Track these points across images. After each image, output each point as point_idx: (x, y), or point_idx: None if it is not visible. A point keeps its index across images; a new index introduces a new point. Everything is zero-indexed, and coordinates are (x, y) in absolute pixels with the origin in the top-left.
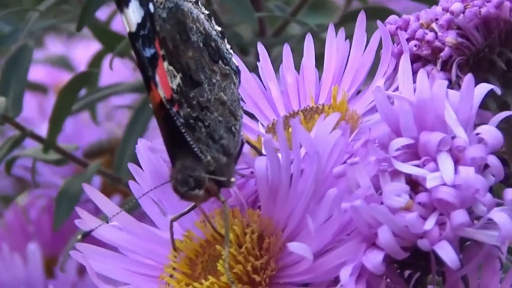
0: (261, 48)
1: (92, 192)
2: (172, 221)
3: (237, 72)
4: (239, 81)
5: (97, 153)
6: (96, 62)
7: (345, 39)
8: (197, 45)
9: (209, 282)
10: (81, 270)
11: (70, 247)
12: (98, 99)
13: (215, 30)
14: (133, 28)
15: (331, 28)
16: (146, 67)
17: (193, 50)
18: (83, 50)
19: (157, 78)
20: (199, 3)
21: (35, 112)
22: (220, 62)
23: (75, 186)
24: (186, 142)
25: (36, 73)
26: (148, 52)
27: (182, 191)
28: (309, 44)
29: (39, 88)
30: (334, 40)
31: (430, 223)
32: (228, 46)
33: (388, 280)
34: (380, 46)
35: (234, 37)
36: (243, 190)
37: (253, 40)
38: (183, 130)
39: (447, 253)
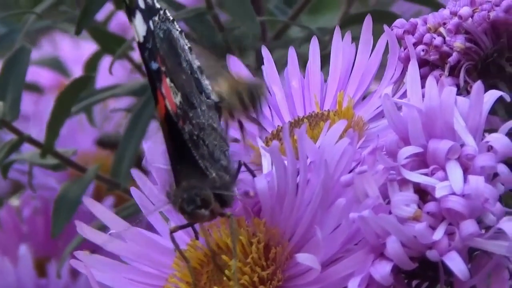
0: (265, 51)
1: (90, 203)
2: (171, 232)
3: (219, 108)
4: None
5: (112, 144)
6: (92, 63)
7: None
8: (187, 71)
9: None
10: (74, 273)
11: (67, 253)
12: (96, 102)
13: (196, 64)
14: (141, 39)
15: (337, 31)
16: (154, 78)
17: (185, 75)
18: (75, 50)
19: (164, 90)
20: (183, 35)
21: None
22: (203, 94)
23: (74, 192)
24: (191, 158)
25: (31, 74)
26: (154, 66)
27: (188, 210)
28: (314, 47)
29: (34, 89)
30: (340, 43)
31: (439, 234)
32: (207, 82)
33: None
34: (386, 50)
35: (235, 40)
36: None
37: (253, 43)
38: (190, 145)
39: (456, 264)
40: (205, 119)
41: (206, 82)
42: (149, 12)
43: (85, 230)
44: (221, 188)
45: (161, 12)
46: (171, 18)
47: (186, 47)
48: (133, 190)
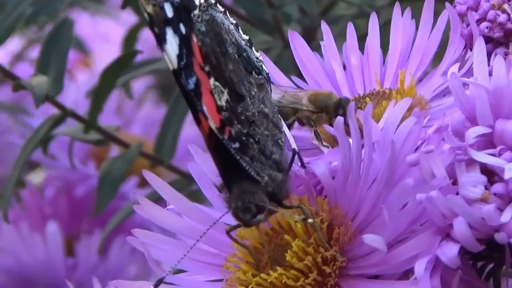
0: (325, 27)
1: (151, 177)
2: (227, 232)
3: (269, 80)
4: (271, 89)
5: None
6: (132, 36)
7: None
8: (233, 57)
9: (277, 274)
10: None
11: (110, 228)
12: (136, 76)
13: (244, 40)
14: (175, 64)
15: (397, 7)
16: (194, 102)
17: (232, 63)
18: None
19: (205, 108)
20: (227, 14)
21: None
22: (253, 73)
23: (118, 168)
24: (241, 168)
25: None
26: (191, 83)
27: (245, 220)
28: (374, 23)
29: None
30: (400, 20)
31: (507, 216)
32: (258, 54)
33: (461, 272)
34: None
35: (285, 18)
36: (311, 178)
37: (301, 19)
38: (238, 157)
39: None
40: (255, 106)
41: (256, 55)
42: (182, 12)
43: (145, 204)
44: (275, 190)
45: (202, 1)
46: (212, 1)
47: (232, 27)
48: (190, 165)
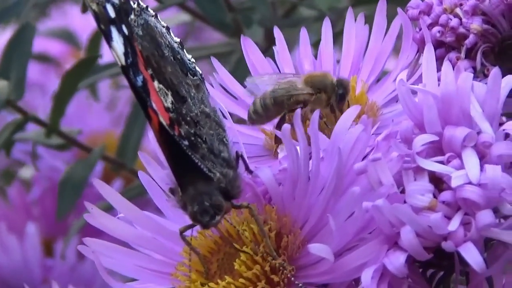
0: (277, 32)
1: (100, 185)
2: (181, 233)
3: (203, 80)
4: (207, 89)
5: None
6: (96, 38)
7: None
8: (170, 59)
9: (225, 282)
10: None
11: (72, 233)
12: (100, 79)
13: (176, 42)
14: (123, 61)
15: (350, 12)
16: (144, 98)
17: (170, 66)
18: (85, 20)
19: (154, 105)
20: (158, 17)
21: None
22: (189, 74)
23: (79, 173)
24: (193, 165)
25: (41, 45)
26: (139, 80)
27: (204, 222)
28: (326, 28)
29: (44, 59)
30: (353, 25)
31: (454, 224)
32: (189, 56)
33: (410, 280)
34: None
35: (244, 20)
36: (260, 186)
37: (262, 22)
38: (189, 153)
39: (472, 255)
40: (197, 107)
41: (188, 57)
42: (123, 14)
43: (95, 213)
44: (228, 186)
45: (135, 6)
46: (143, 6)
47: (164, 30)
48: (140, 174)
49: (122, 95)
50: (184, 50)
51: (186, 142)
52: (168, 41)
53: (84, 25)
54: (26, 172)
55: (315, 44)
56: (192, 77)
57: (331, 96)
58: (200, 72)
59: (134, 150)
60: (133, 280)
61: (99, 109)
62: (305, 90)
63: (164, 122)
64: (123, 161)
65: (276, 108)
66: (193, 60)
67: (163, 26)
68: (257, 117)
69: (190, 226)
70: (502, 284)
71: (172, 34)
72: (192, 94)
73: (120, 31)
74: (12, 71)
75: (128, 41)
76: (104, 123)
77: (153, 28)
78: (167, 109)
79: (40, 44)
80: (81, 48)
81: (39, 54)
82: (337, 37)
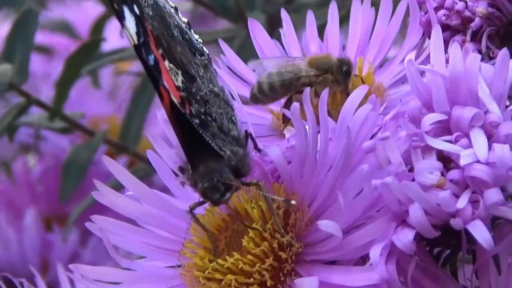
0: (284, 14)
1: (110, 163)
2: (191, 210)
3: (211, 61)
4: (214, 69)
5: None
6: (99, 25)
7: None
8: (179, 39)
9: (233, 259)
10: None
11: (74, 216)
12: (102, 65)
13: (184, 23)
14: (136, 40)
15: None
16: (156, 76)
17: (179, 46)
18: (83, 12)
19: (165, 83)
20: None
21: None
22: (197, 54)
23: (83, 155)
24: (204, 143)
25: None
26: (151, 59)
27: (214, 199)
28: (333, 11)
29: (43, 51)
30: (359, 8)
31: (463, 202)
32: (197, 36)
33: (417, 258)
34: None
35: (247, 6)
36: (268, 165)
37: (265, 7)
38: (200, 131)
39: (480, 233)
40: (206, 86)
41: (196, 37)
42: None
43: (104, 191)
44: (238, 163)
45: None
46: None
47: (173, 10)
48: (149, 152)
49: (124, 82)
50: (192, 31)
51: (197, 121)
52: (177, 22)
53: (83, 17)
54: (29, 160)
55: (318, 30)
56: (200, 57)
57: (337, 76)
58: (207, 52)
59: (136, 134)
60: (141, 257)
61: (102, 94)
62: (312, 72)
63: (176, 100)
64: (125, 144)
65: (283, 90)
66: (200, 40)
67: (172, 7)
68: (262, 97)
69: (200, 203)
70: (509, 263)
71: (180, 14)
72: (201, 73)
73: (132, 11)
74: (15, 55)
75: (139, 20)
76: (107, 108)
77: (162, 8)
78: (178, 88)
79: (39, 36)
80: (80, 40)
81: (39, 46)
82: (343, 21)
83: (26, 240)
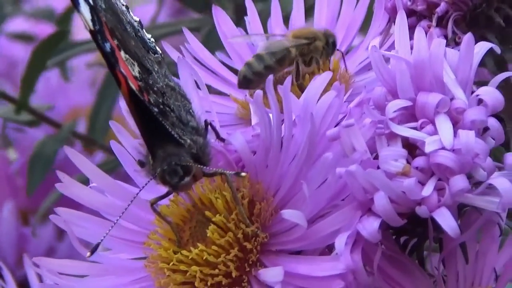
0: (249, 3)
1: (73, 154)
2: (151, 204)
3: (163, 58)
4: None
5: None
6: (66, 16)
7: None
8: (132, 35)
9: (198, 250)
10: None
11: (42, 211)
12: (70, 56)
13: (136, 21)
14: (91, 26)
15: None
16: (112, 62)
17: (133, 40)
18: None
19: (123, 70)
20: None
21: None
22: (150, 52)
23: (49, 148)
24: (164, 132)
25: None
26: (107, 47)
27: (173, 183)
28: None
29: (27, 38)
30: None
31: (428, 189)
32: (149, 35)
33: (383, 246)
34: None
35: None
36: (232, 154)
37: None
38: (160, 118)
39: (446, 221)
40: (161, 80)
41: (148, 36)
42: None
43: (67, 182)
44: (199, 152)
45: None
46: None
47: (124, 8)
48: (112, 143)
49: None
50: (144, 30)
51: (156, 109)
52: (129, 19)
53: (67, 6)
54: (10, 154)
55: (284, 20)
56: (153, 55)
57: (324, 44)
58: (160, 51)
59: (104, 126)
60: (107, 250)
61: (82, 84)
62: (303, 41)
63: (134, 87)
64: (94, 137)
65: (277, 64)
66: (152, 39)
67: (123, 5)
68: (255, 77)
69: (161, 198)
70: (476, 251)
71: (131, 13)
72: (156, 68)
73: (86, 0)
74: None
75: (93, 10)
76: (86, 98)
77: (114, 4)
78: (135, 78)
79: (24, 24)
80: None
81: (23, 34)
82: (308, 11)
83: (2, 233)
